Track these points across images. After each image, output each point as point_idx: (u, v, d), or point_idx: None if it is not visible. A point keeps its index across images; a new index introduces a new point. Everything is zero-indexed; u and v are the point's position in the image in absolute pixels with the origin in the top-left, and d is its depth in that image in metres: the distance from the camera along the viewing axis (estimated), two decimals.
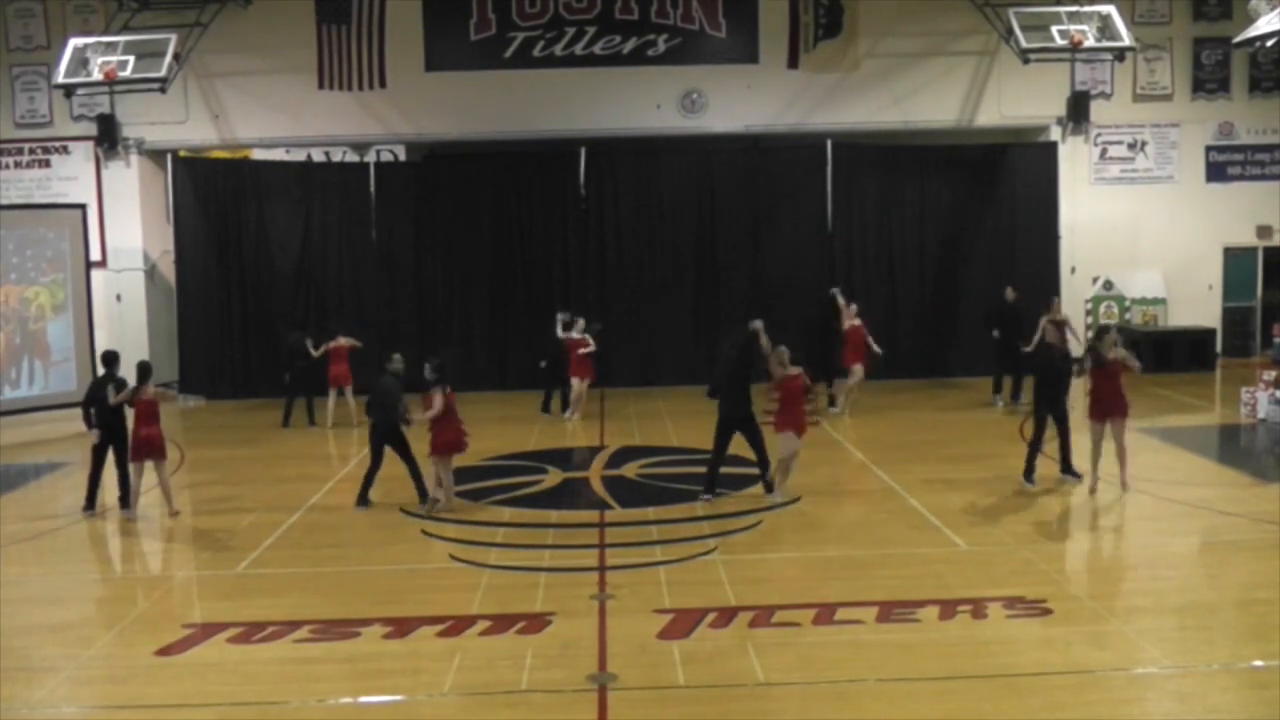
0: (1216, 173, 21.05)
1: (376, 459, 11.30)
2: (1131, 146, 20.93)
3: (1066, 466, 11.63)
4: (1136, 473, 11.30)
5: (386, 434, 11.20)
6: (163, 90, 17.77)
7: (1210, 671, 6.78)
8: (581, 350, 16.11)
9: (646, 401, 18.10)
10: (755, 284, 19.79)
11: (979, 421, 15.70)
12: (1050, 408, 11.38)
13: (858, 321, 16.14)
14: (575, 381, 16.28)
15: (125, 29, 18.17)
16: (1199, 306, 21.02)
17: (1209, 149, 21.00)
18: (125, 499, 11.18)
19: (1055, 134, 20.44)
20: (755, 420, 11.26)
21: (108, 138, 20.00)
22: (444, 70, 20.08)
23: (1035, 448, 11.50)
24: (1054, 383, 11.39)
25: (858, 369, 16.14)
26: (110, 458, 11.17)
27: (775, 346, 11.24)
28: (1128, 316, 20.99)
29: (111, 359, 11.39)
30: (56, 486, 11.61)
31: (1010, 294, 16.73)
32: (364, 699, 6.74)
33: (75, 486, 11.64)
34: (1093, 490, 11.10)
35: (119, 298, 20.31)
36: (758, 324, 11.83)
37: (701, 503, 11.07)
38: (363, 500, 11.26)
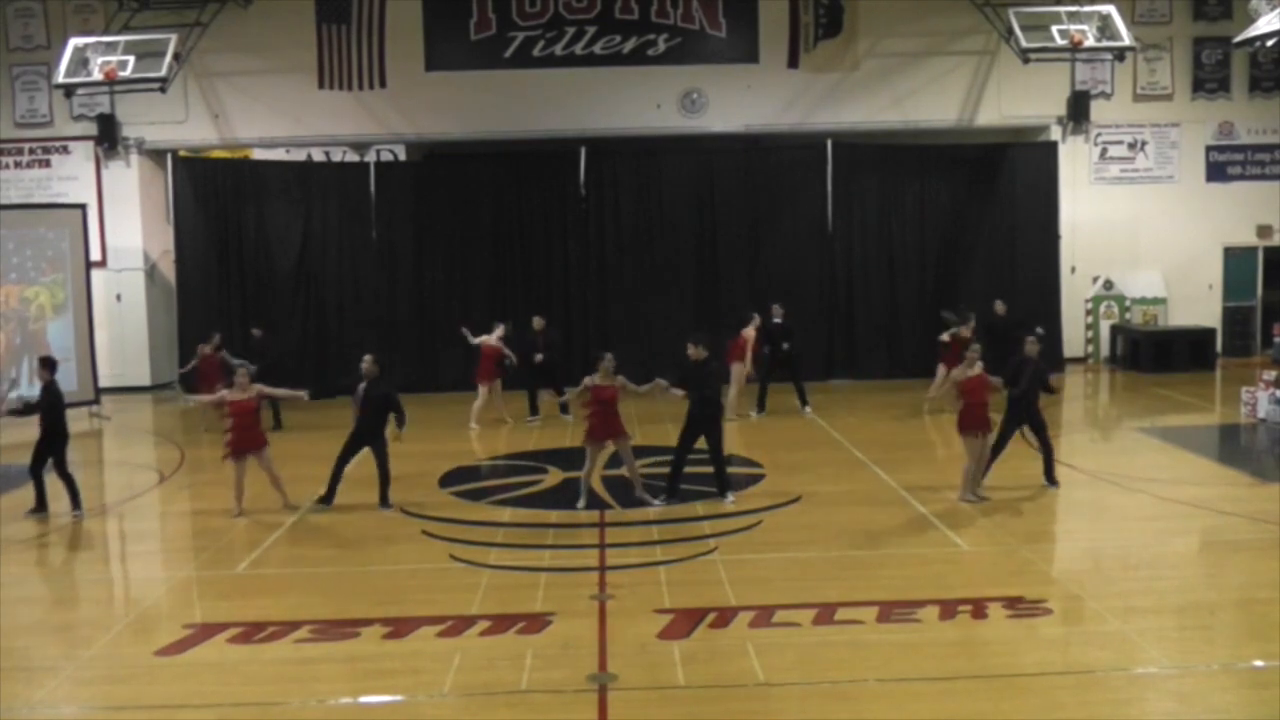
0: (1216, 172, 21.06)
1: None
2: (1131, 146, 20.95)
3: (1049, 475, 11.50)
4: (1136, 472, 11.30)
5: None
6: (163, 90, 17.78)
7: (1210, 671, 6.79)
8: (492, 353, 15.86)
9: (646, 401, 18.03)
10: (755, 283, 19.80)
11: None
12: (1028, 418, 11.29)
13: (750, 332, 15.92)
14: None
15: (125, 29, 18.18)
16: (1199, 306, 21.03)
17: (1209, 149, 21.02)
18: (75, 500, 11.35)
19: (1055, 134, 20.47)
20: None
21: (108, 137, 20.03)
22: (444, 70, 20.09)
23: (992, 458, 11.27)
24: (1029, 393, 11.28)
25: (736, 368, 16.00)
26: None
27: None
28: (1128, 316, 21.00)
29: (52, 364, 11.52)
30: (56, 486, 11.57)
31: (1000, 307, 16.68)
32: (364, 699, 6.74)
33: None
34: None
35: (119, 298, 20.34)
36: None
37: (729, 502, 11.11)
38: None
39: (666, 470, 11.46)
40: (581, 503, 11.11)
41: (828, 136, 20.07)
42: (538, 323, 16.50)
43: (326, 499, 11.32)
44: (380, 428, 11.30)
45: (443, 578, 9.04)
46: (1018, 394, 11.21)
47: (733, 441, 14.28)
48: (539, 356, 16.04)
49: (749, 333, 15.86)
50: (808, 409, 16.27)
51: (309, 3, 19.95)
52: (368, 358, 11.37)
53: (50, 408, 11.18)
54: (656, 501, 11.12)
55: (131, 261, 20.45)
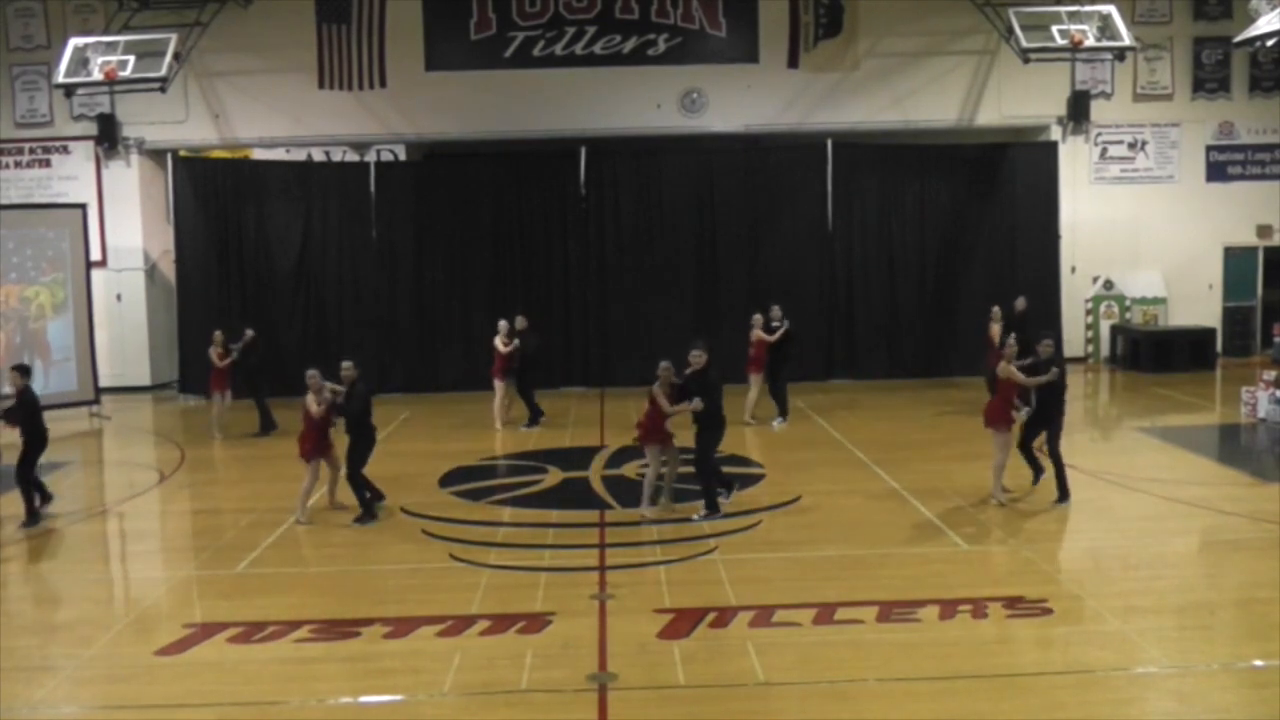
0: (1217, 172, 21.06)
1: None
2: (1132, 146, 20.95)
3: (1060, 486, 11.27)
4: (1137, 472, 11.30)
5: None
6: (163, 90, 17.77)
7: (1210, 671, 6.79)
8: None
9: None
10: (755, 283, 19.78)
11: (979, 421, 15.63)
12: (1045, 423, 11.11)
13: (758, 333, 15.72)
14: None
15: (125, 29, 18.18)
16: (1199, 306, 21.03)
17: (1209, 149, 21.01)
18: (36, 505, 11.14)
19: (1055, 134, 20.47)
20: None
21: (108, 137, 20.04)
22: (444, 70, 20.09)
23: (1030, 456, 11.22)
24: (1048, 396, 11.23)
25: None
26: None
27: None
28: (1128, 316, 20.99)
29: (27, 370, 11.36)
30: (56, 486, 11.61)
31: (1020, 304, 16.67)
32: (364, 699, 6.74)
33: (75, 486, 11.68)
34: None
35: (119, 297, 20.34)
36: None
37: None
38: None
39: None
40: (646, 506, 10.95)
41: (828, 136, 20.06)
42: (520, 322, 16.42)
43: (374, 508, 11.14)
44: (359, 428, 11.06)
45: (443, 578, 9.05)
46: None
47: (734, 441, 14.28)
48: (502, 349, 15.83)
49: (755, 334, 15.82)
50: (776, 422, 15.64)
51: (309, 3, 19.95)
52: (347, 364, 10.97)
53: (30, 416, 10.97)
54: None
55: (131, 261, 20.46)
